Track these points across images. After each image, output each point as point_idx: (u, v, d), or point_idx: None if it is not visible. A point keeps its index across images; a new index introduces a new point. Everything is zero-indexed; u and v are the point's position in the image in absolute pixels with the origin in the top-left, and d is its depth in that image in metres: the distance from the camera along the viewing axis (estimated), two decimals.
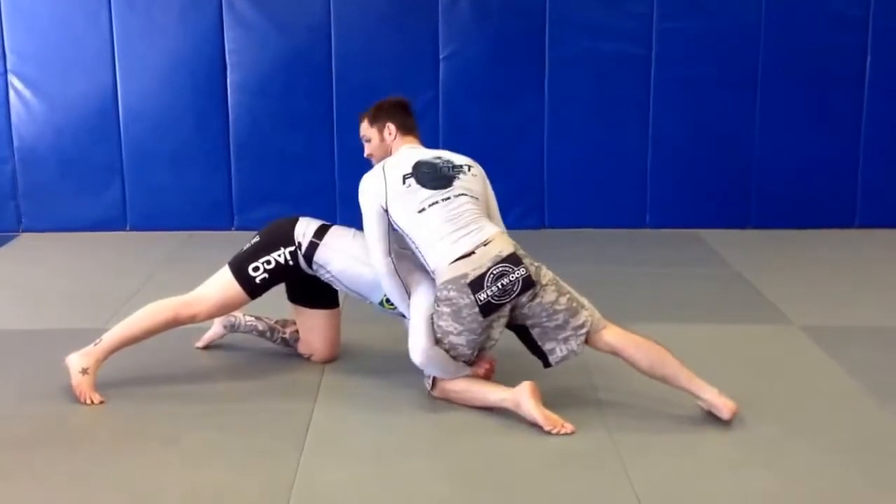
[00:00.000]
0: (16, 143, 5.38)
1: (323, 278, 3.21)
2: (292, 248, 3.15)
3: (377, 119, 3.19)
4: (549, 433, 2.78)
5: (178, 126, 5.38)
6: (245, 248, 3.21)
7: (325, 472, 2.62)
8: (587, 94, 5.40)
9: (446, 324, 2.93)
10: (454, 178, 3.06)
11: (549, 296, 2.93)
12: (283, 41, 5.33)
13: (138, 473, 2.61)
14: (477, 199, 3.06)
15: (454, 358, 2.97)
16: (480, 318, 2.89)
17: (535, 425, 2.82)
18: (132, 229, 5.47)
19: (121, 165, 5.41)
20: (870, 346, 3.57)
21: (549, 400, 2.92)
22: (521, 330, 3.03)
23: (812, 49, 5.33)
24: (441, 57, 5.34)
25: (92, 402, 2.99)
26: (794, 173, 5.46)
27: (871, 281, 4.51)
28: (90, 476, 2.60)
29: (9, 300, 4.26)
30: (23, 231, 5.45)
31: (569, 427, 2.80)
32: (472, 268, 2.89)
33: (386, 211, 3.01)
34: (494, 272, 2.87)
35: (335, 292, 3.33)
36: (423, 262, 3.02)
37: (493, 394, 2.94)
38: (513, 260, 2.92)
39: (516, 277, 2.88)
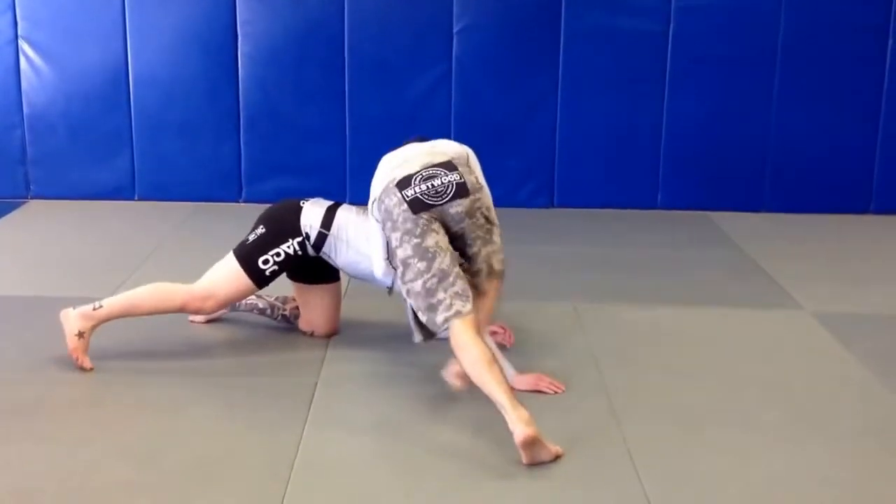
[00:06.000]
0: (26, 109, 5.34)
1: (328, 262, 3.21)
2: (300, 239, 3.14)
3: None
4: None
5: (189, 96, 5.33)
6: (251, 238, 3.17)
7: (328, 445, 2.61)
8: (602, 70, 5.31)
9: (392, 239, 2.79)
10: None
11: (478, 230, 2.84)
12: (296, 11, 5.26)
13: (143, 441, 2.62)
14: (445, 153, 2.98)
15: (431, 292, 2.67)
16: (412, 216, 2.76)
17: (538, 398, 2.80)
18: (140, 199, 5.45)
19: (130, 134, 5.37)
20: (882, 333, 3.53)
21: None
22: None
23: (833, 28, 5.22)
24: (455, 30, 5.26)
25: (83, 368, 2.98)
26: (811, 156, 5.37)
27: (885, 268, 4.45)
28: (94, 442, 2.61)
29: (16, 267, 4.25)
30: (31, 198, 5.43)
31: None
32: (401, 172, 2.86)
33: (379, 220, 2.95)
34: (423, 174, 2.83)
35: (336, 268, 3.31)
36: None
37: (496, 392, 2.51)
38: (447, 166, 2.87)
39: (449, 181, 2.82)
